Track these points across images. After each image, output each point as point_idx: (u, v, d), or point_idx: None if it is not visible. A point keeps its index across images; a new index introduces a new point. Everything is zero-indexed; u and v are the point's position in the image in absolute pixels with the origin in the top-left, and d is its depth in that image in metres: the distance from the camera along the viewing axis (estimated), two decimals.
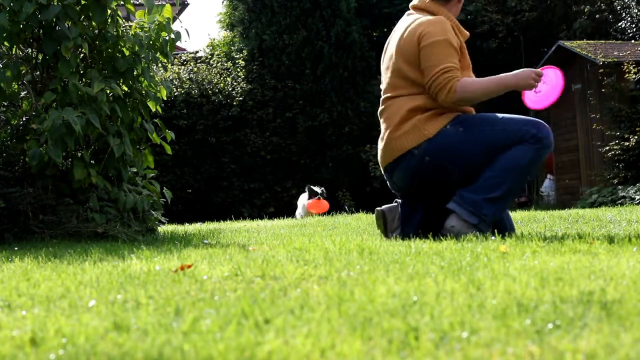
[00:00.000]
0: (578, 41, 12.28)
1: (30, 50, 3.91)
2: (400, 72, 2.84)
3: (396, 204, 2.95)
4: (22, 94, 3.93)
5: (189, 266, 1.89)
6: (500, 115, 2.83)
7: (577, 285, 1.34)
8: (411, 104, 2.80)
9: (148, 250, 2.51)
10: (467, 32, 3.00)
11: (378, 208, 2.97)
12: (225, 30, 14.18)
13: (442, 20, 2.82)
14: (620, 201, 9.45)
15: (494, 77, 2.83)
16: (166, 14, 4.04)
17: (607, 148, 10.66)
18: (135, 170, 4.17)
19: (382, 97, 2.93)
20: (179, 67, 11.79)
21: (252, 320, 1.15)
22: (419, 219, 2.87)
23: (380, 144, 2.90)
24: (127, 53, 3.93)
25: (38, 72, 3.91)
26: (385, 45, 3.02)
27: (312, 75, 11.83)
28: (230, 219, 8.14)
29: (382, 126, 2.91)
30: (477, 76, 2.90)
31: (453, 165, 2.74)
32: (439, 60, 2.74)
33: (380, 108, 2.93)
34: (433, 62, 2.74)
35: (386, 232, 2.92)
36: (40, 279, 1.80)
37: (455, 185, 2.77)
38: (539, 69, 2.86)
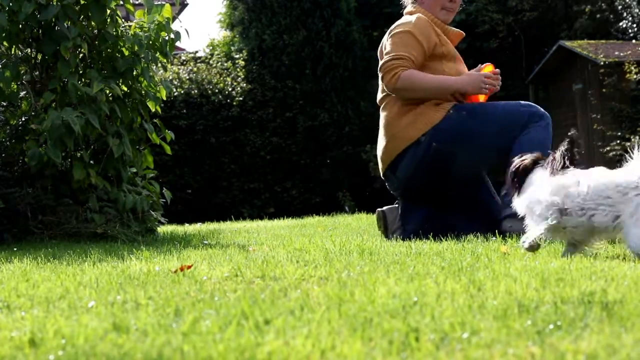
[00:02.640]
0: (579, 41, 12.29)
1: (29, 50, 3.90)
2: None
3: (397, 205, 2.95)
4: (22, 94, 3.93)
5: (189, 267, 1.88)
6: (493, 102, 2.88)
7: (578, 285, 1.34)
8: (406, 106, 2.85)
9: (148, 251, 2.51)
10: (460, 31, 3.04)
11: (379, 209, 2.96)
12: (225, 30, 14.17)
13: (417, 17, 2.89)
14: None
15: (442, 77, 2.82)
16: (166, 13, 4.03)
17: (608, 148, 10.66)
18: (134, 170, 4.17)
19: (378, 98, 2.98)
20: (179, 67, 11.79)
21: (252, 321, 1.15)
22: (419, 219, 2.87)
23: (382, 142, 2.90)
24: (126, 53, 3.92)
25: (37, 72, 3.91)
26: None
27: (312, 75, 11.83)
28: (230, 220, 8.14)
29: (381, 125, 2.92)
30: None
31: (461, 150, 2.74)
32: (395, 49, 2.81)
33: (381, 109, 2.97)
34: (390, 49, 2.82)
35: (387, 232, 2.91)
36: (39, 280, 1.80)
37: (460, 177, 2.78)
38: (484, 70, 2.88)
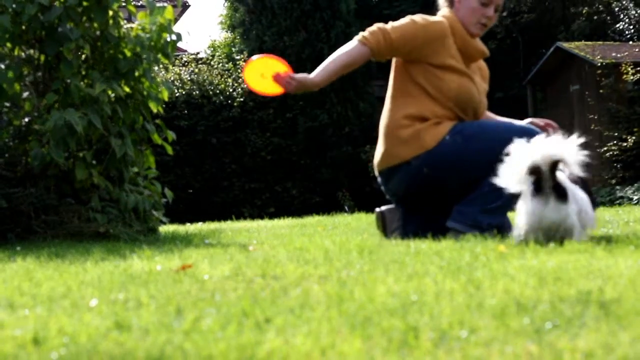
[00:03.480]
0: (576, 42, 12.30)
1: (32, 51, 3.92)
2: (397, 69, 2.83)
3: (394, 205, 2.94)
4: (24, 94, 3.94)
5: (190, 266, 1.90)
6: (497, 122, 2.78)
7: (575, 284, 1.35)
8: (408, 110, 2.76)
9: (149, 250, 2.52)
10: (483, 50, 2.88)
11: (377, 209, 2.95)
12: (226, 31, 14.18)
13: (438, 19, 2.80)
14: (618, 201, 9.45)
15: (339, 60, 2.80)
16: (167, 15, 4.04)
17: (605, 149, 10.66)
18: (136, 170, 4.18)
19: (387, 94, 2.90)
20: (180, 68, 11.80)
21: (253, 320, 1.16)
22: (419, 218, 2.86)
23: (379, 148, 2.85)
24: (128, 54, 3.94)
25: (40, 73, 3.92)
26: None
27: None
28: (231, 219, 8.15)
29: (381, 128, 2.87)
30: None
31: (451, 177, 2.70)
32: (385, 25, 2.77)
33: (385, 105, 2.89)
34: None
35: (386, 232, 2.91)
36: (42, 279, 1.81)
37: (453, 196, 2.75)
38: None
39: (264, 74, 2.75)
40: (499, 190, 2.64)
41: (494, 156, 2.67)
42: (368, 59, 2.83)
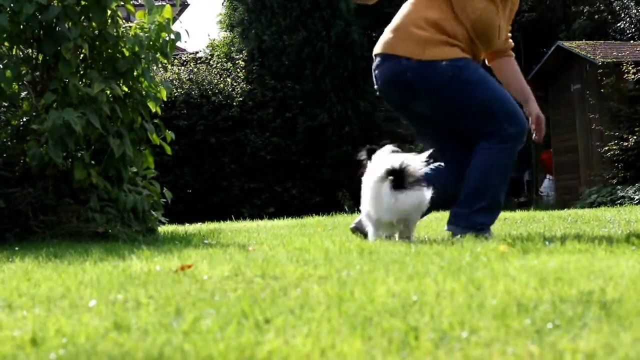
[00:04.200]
0: (577, 41, 12.31)
1: (30, 50, 3.91)
2: None
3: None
4: (23, 94, 3.93)
5: (189, 266, 1.89)
6: (493, 86, 2.75)
7: (576, 285, 1.34)
8: (429, 14, 2.72)
9: (148, 250, 2.51)
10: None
11: (351, 226, 2.92)
12: (225, 30, 14.18)
13: None
14: (619, 201, 9.46)
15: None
16: (166, 14, 4.04)
17: (606, 148, 10.67)
18: (135, 170, 4.18)
19: None
20: (179, 67, 11.79)
21: (252, 320, 1.15)
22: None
23: (386, 35, 2.80)
24: (127, 53, 3.93)
25: (38, 73, 3.91)
26: None
27: (312, 75, 11.83)
28: (230, 219, 8.15)
29: (395, 21, 2.81)
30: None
31: (422, 101, 2.72)
32: None
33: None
34: None
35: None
36: (40, 279, 1.80)
37: (422, 124, 2.84)
38: None
39: None
40: (482, 189, 2.66)
41: (468, 114, 2.68)
42: None
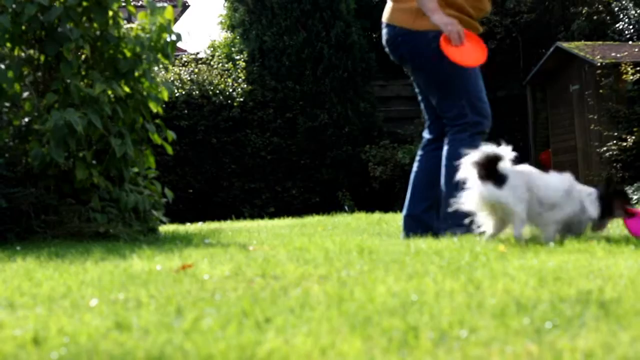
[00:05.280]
0: (576, 42, 12.29)
1: (32, 51, 3.92)
2: None
3: None
4: (24, 94, 3.94)
5: (190, 266, 1.90)
6: (469, 70, 2.87)
7: (575, 284, 1.35)
8: None
9: (149, 250, 2.52)
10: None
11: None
12: (226, 31, 14.18)
13: None
14: None
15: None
16: (167, 15, 4.04)
17: (605, 149, 10.67)
18: (136, 170, 4.18)
19: None
20: (180, 68, 11.80)
21: (253, 320, 1.16)
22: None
23: (390, 3, 3.05)
24: (128, 54, 3.94)
25: (40, 73, 3.92)
26: None
27: (312, 76, 11.84)
28: (231, 219, 8.15)
29: None
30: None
31: (410, 67, 3.01)
32: None
33: None
34: None
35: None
36: (42, 279, 1.81)
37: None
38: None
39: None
40: (449, 196, 2.69)
41: (440, 88, 2.88)
42: None
